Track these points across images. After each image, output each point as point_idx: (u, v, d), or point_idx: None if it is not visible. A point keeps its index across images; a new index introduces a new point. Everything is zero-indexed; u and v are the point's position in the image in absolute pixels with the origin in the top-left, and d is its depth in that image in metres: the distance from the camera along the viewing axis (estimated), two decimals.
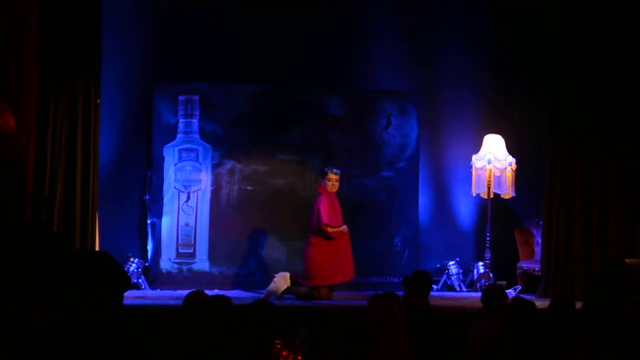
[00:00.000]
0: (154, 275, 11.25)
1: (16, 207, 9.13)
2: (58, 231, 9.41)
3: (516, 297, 6.54)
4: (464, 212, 12.19)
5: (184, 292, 6.71)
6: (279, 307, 5.83)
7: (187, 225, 11.38)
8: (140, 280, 11.03)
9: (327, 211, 10.29)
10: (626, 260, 10.10)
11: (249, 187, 11.53)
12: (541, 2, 11.34)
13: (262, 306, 5.77)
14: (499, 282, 11.12)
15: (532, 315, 6.14)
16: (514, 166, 11.46)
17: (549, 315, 6.29)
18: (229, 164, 11.49)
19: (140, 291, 10.83)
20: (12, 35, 9.19)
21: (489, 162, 11.38)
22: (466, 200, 12.06)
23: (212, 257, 11.39)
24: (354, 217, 11.12)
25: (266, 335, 5.49)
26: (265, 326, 5.51)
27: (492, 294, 6.81)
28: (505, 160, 11.41)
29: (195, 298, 6.09)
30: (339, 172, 10.58)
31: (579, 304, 6.71)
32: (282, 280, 10.30)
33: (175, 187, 11.36)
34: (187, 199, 11.39)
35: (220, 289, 10.84)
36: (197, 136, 11.40)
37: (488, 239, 11.39)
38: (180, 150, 11.40)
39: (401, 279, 11.03)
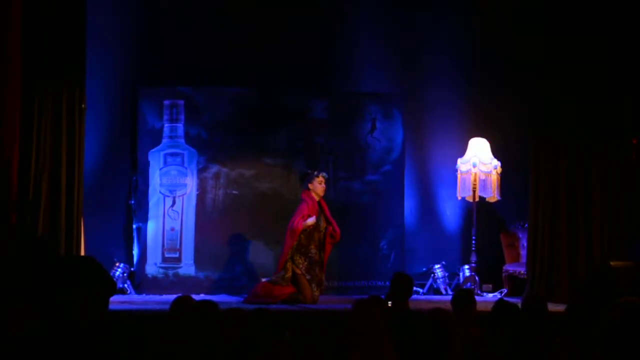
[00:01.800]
0: (139, 280, 11.23)
1: (0, 212, 9.11)
2: (42, 236, 9.38)
3: (499, 300, 6.55)
4: (450, 215, 12.21)
5: (170, 297, 6.70)
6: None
7: (172, 229, 11.37)
8: (126, 285, 11.02)
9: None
10: (611, 263, 10.14)
11: (234, 191, 11.52)
12: (525, 5, 11.39)
13: (262, 312, 5.79)
14: (468, 285, 11.19)
15: (516, 318, 6.15)
16: (499, 169, 11.49)
17: (522, 316, 6.31)
18: (214, 168, 11.48)
19: (126, 296, 10.81)
20: None
21: (474, 166, 11.41)
22: (451, 204, 12.07)
23: (197, 261, 11.38)
24: (340, 220, 11.11)
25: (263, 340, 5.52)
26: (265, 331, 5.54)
27: (462, 297, 6.83)
28: (491, 163, 11.44)
29: (182, 303, 6.08)
30: (327, 175, 10.58)
31: (563, 307, 6.74)
32: None
33: (160, 192, 11.35)
34: (173, 204, 11.37)
35: (206, 293, 10.84)
36: (182, 140, 11.40)
37: (474, 242, 11.41)
38: (165, 155, 11.39)
39: (387, 282, 11.12)
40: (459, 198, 11.67)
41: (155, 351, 5.64)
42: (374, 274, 11.53)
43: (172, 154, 11.40)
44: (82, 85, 9.92)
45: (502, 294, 11.28)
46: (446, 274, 11.69)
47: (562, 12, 10.75)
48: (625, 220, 10.71)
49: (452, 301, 6.82)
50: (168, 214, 11.35)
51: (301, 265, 10.22)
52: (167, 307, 6.17)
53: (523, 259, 11.41)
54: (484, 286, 11.52)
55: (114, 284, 8.18)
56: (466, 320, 6.39)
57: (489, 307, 6.48)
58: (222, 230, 11.44)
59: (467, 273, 11.46)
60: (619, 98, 10.67)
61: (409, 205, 12.01)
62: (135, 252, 11.33)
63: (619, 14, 10.65)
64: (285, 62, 11.62)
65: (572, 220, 10.68)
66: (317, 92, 11.80)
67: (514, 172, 11.68)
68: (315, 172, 10.49)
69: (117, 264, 10.98)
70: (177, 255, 11.36)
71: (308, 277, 10.22)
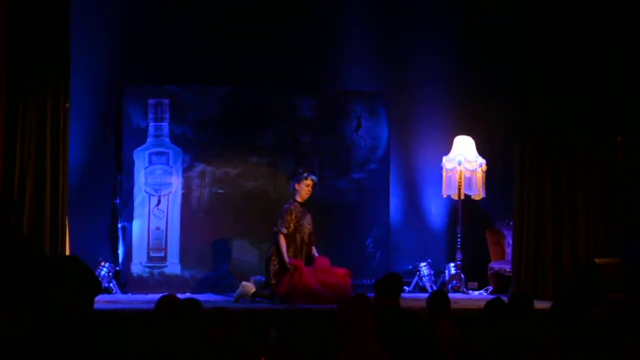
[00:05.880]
0: (125, 280, 11.20)
1: None
2: (27, 236, 9.34)
3: (497, 299, 6.53)
4: (435, 213, 12.22)
5: (156, 296, 6.67)
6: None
7: (158, 228, 11.34)
8: (111, 285, 10.98)
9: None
10: (596, 260, 10.16)
11: (219, 190, 11.50)
12: (511, 3, 11.41)
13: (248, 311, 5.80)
14: (454, 282, 11.24)
15: (507, 317, 6.16)
16: (484, 167, 11.52)
17: (509, 313, 6.32)
18: (199, 167, 11.46)
19: (111, 295, 10.78)
20: None
21: (460, 164, 11.44)
22: (437, 202, 12.09)
23: (183, 260, 11.35)
24: (325, 219, 11.14)
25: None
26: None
27: (437, 299, 6.83)
28: (476, 161, 11.47)
29: (167, 302, 6.07)
30: (316, 179, 10.49)
31: (548, 304, 6.74)
32: (251, 284, 10.25)
33: (145, 191, 11.32)
34: (158, 203, 11.35)
35: (191, 292, 10.80)
36: (167, 139, 11.37)
37: (459, 240, 11.44)
38: (150, 154, 11.36)
39: (373, 280, 11.11)
40: (445, 196, 11.69)
41: (141, 351, 5.63)
42: (360, 272, 11.49)
43: (157, 153, 11.37)
44: (67, 84, 9.89)
45: (488, 292, 11.31)
46: (432, 272, 11.70)
47: (548, 11, 10.76)
48: (610, 218, 10.73)
49: (428, 302, 6.81)
50: (153, 213, 11.33)
51: (272, 267, 10.15)
52: (152, 306, 6.16)
53: (508, 257, 11.43)
54: (470, 284, 11.53)
55: (99, 283, 8.17)
56: (443, 320, 6.38)
57: (475, 305, 6.49)
58: (208, 229, 11.42)
59: (453, 271, 11.47)
60: (604, 96, 10.69)
61: (395, 203, 12.02)
62: (120, 251, 11.30)
63: (606, 13, 10.66)
64: (272, 61, 11.60)
65: (557, 218, 10.70)
66: (303, 90, 11.79)
67: (499, 169, 11.71)
68: (305, 174, 10.38)
69: (103, 263, 10.94)
70: (162, 255, 11.35)
71: (273, 281, 10.08)
